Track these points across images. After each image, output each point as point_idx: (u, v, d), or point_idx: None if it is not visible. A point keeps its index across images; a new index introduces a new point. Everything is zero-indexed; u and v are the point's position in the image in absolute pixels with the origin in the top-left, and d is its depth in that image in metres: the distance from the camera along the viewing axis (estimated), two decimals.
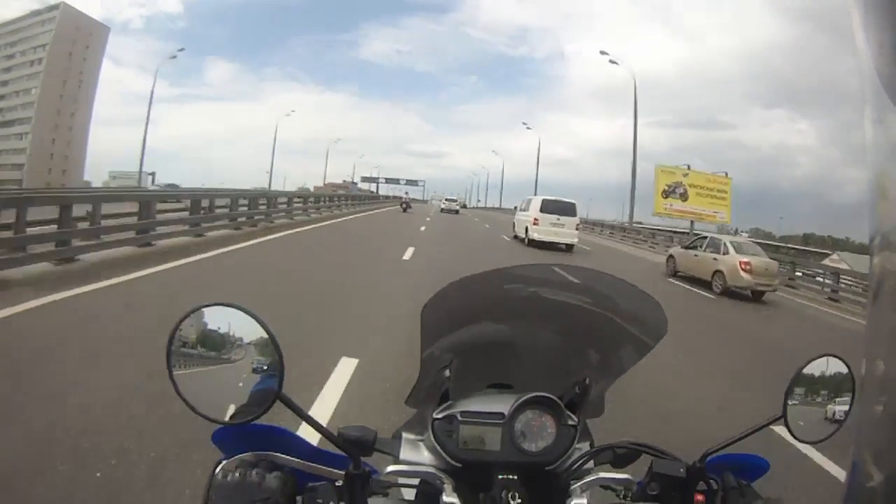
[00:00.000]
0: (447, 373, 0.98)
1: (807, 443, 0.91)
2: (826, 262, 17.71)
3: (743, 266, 13.03)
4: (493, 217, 45.67)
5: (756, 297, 13.39)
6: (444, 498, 0.80)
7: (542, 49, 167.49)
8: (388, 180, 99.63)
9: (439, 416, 0.91)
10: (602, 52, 35.59)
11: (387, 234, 19.43)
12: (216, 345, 0.73)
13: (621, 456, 0.92)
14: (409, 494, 0.87)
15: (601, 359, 1.07)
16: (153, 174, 53.67)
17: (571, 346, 1.06)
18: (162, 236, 10.25)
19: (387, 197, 70.34)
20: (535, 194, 22.52)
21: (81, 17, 69.52)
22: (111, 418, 3.07)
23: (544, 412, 0.92)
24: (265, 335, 0.72)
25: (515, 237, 21.15)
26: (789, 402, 0.87)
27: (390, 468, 0.85)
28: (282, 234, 14.95)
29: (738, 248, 13.86)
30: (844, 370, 0.87)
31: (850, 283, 17.20)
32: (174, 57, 53.69)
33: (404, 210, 40.65)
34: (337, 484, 0.79)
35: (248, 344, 0.73)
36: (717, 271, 13.60)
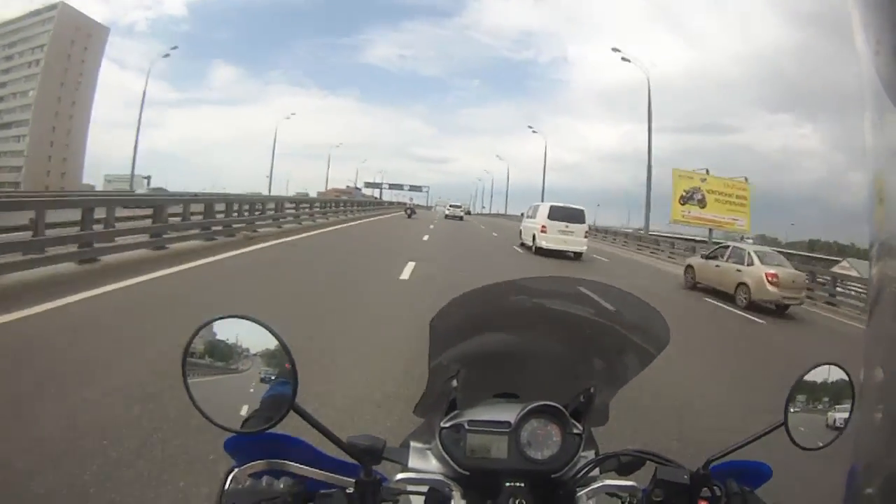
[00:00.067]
0: (454, 382, 1.03)
1: (808, 449, 0.92)
2: (836, 269, 16.88)
3: (769, 278, 12.37)
4: (500, 224, 45.21)
5: (780, 310, 12.71)
6: None
7: (547, 53, 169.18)
8: (391, 186, 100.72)
9: (447, 424, 0.95)
10: (614, 50, 34.79)
11: (385, 244, 17.60)
12: (229, 355, 0.77)
13: (626, 464, 0.94)
14: (418, 502, 0.87)
15: (605, 368, 1.12)
16: (148, 178, 53.74)
17: (576, 356, 1.12)
18: (107, 251, 8.77)
19: (391, 203, 70.18)
20: (542, 201, 21.97)
21: (80, 17, 70.13)
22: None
23: (550, 421, 0.96)
24: (277, 345, 0.76)
25: (522, 245, 21.08)
26: (790, 410, 0.91)
27: (400, 475, 0.90)
28: (259, 246, 13.05)
29: (763, 259, 13.09)
30: (845, 378, 0.90)
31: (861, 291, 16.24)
32: (167, 55, 54.02)
33: (409, 216, 41.55)
34: (348, 491, 0.82)
35: (260, 354, 0.77)
36: (741, 283, 12.90)
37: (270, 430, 0.76)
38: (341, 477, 0.85)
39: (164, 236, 10.64)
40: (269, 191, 57.68)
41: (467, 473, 0.91)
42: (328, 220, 24.79)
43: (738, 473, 0.91)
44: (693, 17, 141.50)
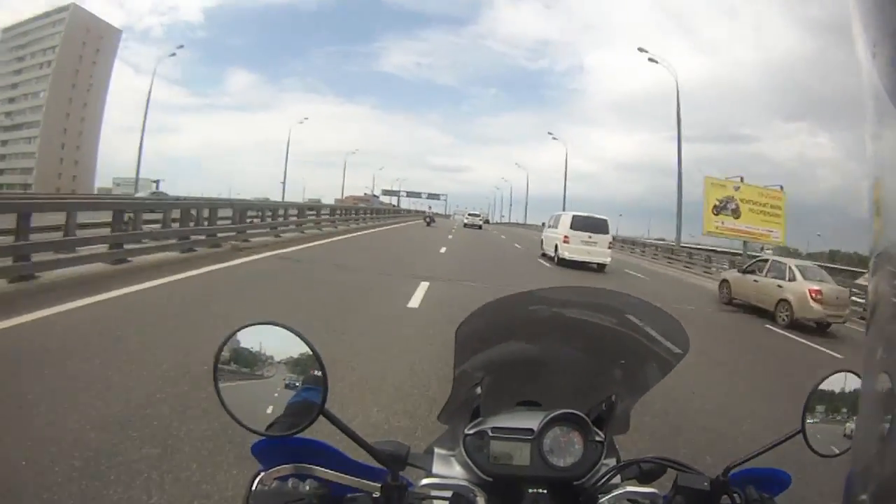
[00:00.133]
0: (478, 390, 1.06)
1: (825, 456, 0.93)
2: (859, 281, 16.32)
3: (813, 295, 11.79)
4: (521, 234, 44.80)
5: (822, 329, 12.09)
6: None
7: (562, 62, 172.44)
8: (409, 194, 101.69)
9: (471, 431, 0.98)
10: (640, 50, 33.88)
11: (396, 258, 15.70)
12: (259, 360, 0.80)
13: (647, 471, 0.98)
14: None
15: (626, 376, 1.13)
16: (157, 182, 54.15)
17: (597, 365, 1.14)
18: (54, 265, 7.42)
19: (408, 211, 70.23)
20: (564, 210, 21.67)
21: (92, 19, 71.87)
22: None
23: (572, 428, 0.99)
24: (301, 353, 0.80)
25: (543, 255, 21.04)
26: (808, 418, 0.94)
27: (424, 481, 0.92)
28: (243, 260, 11.20)
29: (805, 273, 12.48)
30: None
31: None
32: (173, 54, 55.46)
33: (428, 224, 43.47)
34: (374, 496, 0.84)
35: (285, 361, 0.80)
36: (782, 300, 12.34)
37: (296, 435, 0.79)
38: (366, 481, 0.87)
39: (130, 247, 9.17)
40: (283, 197, 57.83)
41: (490, 480, 0.94)
42: (337, 229, 23.51)
43: (758, 481, 0.94)
44: (708, 27, 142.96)
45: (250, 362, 0.79)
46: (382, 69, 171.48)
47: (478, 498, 0.90)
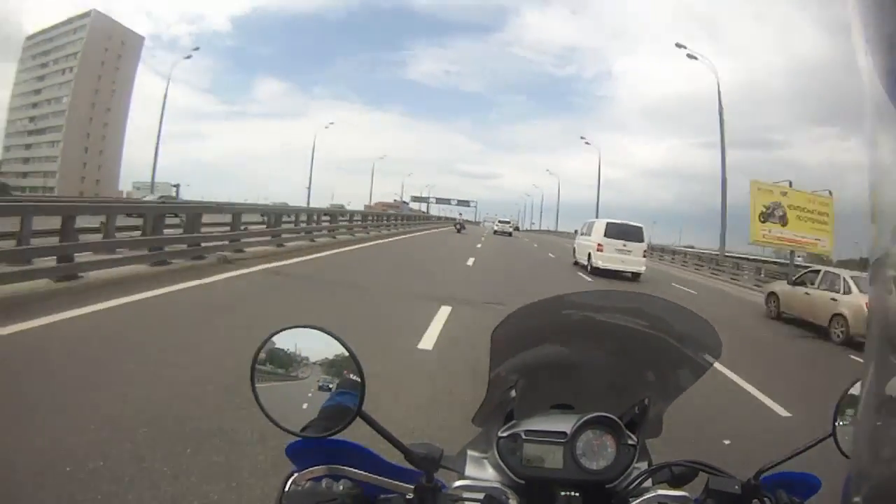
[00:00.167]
0: (513, 393, 1.07)
1: None
2: None
3: None
4: (553, 242, 44.33)
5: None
6: None
7: (590, 69, 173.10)
8: (438, 200, 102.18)
9: (504, 434, 0.99)
10: (678, 45, 32.64)
11: (417, 271, 14.24)
12: (295, 363, 0.83)
13: (678, 475, 0.98)
14: None
15: (659, 380, 1.14)
16: (177, 186, 54.88)
17: (629, 368, 1.15)
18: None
19: (438, 217, 70.29)
20: (597, 217, 21.27)
21: (114, 25, 73.44)
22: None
23: (605, 432, 0.99)
24: (336, 355, 0.83)
25: (576, 263, 20.85)
26: (839, 421, 0.96)
27: (457, 483, 0.94)
28: (228, 275, 9.61)
29: (862, 286, 11.63)
30: None
31: None
32: (189, 57, 55.19)
33: (458, 231, 44.74)
34: (408, 497, 0.86)
35: (320, 363, 0.83)
36: (836, 315, 11.50)
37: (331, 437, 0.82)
38: (400, 483, 0.88)
39: (80, 261, 7.76)
40: (308, 203, 57.93)
41: (523, 482, 0.95)
42: (354, 237, 22.10)
43: (788, 485, 0.95)
44: (736, 31, 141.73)
45: (286, 363, 0.83)
46: (410, 77, 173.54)
47: (510, 500, 0.91)
